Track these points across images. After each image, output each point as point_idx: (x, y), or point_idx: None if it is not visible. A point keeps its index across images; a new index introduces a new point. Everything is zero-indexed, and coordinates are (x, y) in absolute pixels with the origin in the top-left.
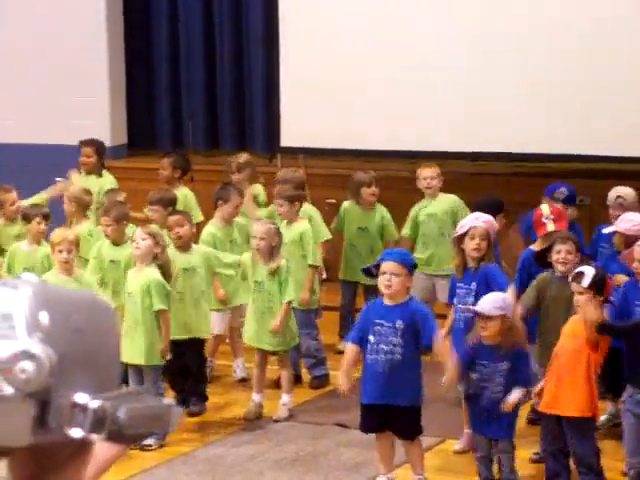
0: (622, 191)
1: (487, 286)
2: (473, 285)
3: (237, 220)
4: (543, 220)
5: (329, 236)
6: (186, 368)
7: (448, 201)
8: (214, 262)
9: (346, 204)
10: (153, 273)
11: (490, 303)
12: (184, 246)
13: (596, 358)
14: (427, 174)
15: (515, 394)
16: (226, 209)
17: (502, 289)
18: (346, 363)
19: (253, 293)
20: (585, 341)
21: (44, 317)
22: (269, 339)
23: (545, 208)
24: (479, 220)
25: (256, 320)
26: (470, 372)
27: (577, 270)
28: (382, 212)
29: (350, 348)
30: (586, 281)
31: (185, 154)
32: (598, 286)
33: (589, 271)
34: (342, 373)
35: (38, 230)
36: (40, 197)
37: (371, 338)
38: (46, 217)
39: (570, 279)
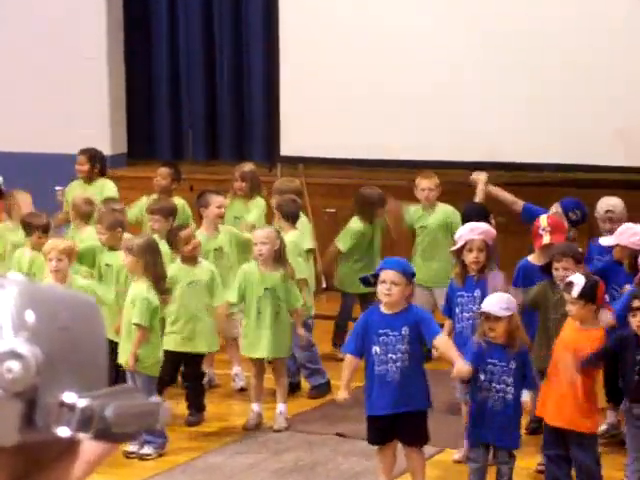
0: (611, 203)
1: None
2: (477, 292)
3: (227, 228)
4: (540, 232)
5: (311, 245)
6: (179, 379)
7: (443, 212)
8: (215, 284)
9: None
10: (140, 287)
11: (497, 304)
12: (192, 260)
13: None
14: (426, 185)
15: (527, 396)
16: (210, 212)
17: None
18: (347, 375)
19: (262, 300)
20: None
21: (30, 316)
22: (277, 345)
23: (543, 219)
24: (475, 232)
25: (265, 329)
26: (478, 373)
27: (567, 280)
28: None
29: (349, 360)
30: (576, 291)
31: (177, 165)
32: (589, 295)
33: (579, 280)
34: (343, 386)
35: (38, 244)
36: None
37: (377, 349)
38: (46, 230)
39: (561, 288)
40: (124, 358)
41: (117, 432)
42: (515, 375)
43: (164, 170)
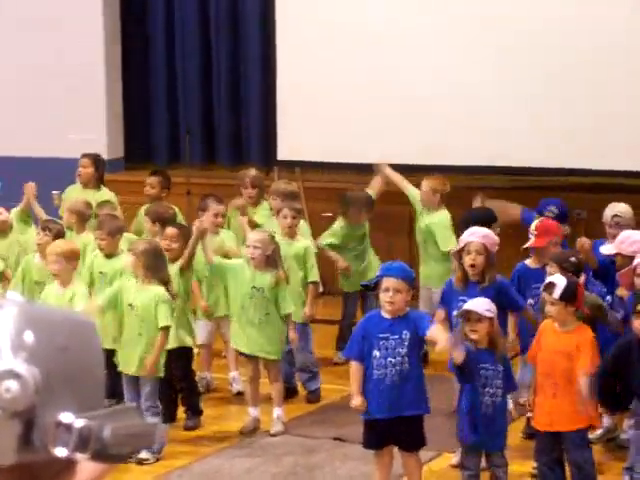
0: (618, 209)
1: (499, 302)
2: None
3: (227, 232)
4: (529, 235)
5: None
6: (172, 380)
7: (437, 217)
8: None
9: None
10: (160, 290)
11: (481, 305)
12: (172, 259)
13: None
14: (422, 186)
15: (512, 402)
16: (206, 218)
17: (518, 309)
18: (356, 382)
19: (247, 300)
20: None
21: (29, 336)
22: (265, 347)
23: (534, 222)
24: (475, 235)
25: (250, 327)
26: (473, 380)
27: (548, 280)
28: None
29: (356, 366)
30: (557, 292)
31: (167, 174)
32: (569, 297)
33: (560, 281)
34: (356, 393)
35: (38, 242)
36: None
37: (377, 353)
38: (58, 235)
39: (542, 289)
40: (132, 364)
41: (114, 453)
42: (502, 378)
43: (153, 179)
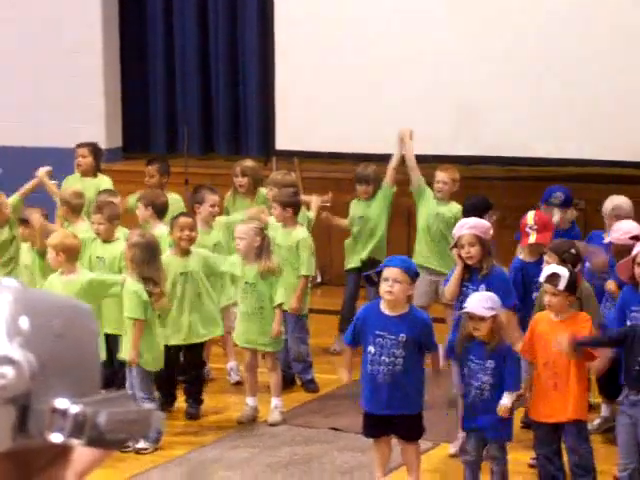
0: (617, 202)
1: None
2: (482, 287)
3: (222, 221)
4: (527, 230)
5: None
6: (173, 375)
7: (457, 208)
8: (213, 264)
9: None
10: (133, 284)
11: (481, 303)
12: (187, 250)
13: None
14: (440, 177)
15: (507, 398)
16: (203, 210)
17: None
18: (347, 359)
19: (243, 294)
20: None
21: (24, 322)
22: (260, 339)
23: (530, 217)
24: (464, 228)
25: (246, 321)
26: (463, 367)
27: (551, 271)
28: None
29: (347, 349)
30: (562, 284)
31: (165, 159)
32: (573, 286)
33: (564, 273)
34: (345, 367)
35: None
36: (14, 199)
37: (371, 349)
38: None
39: (543, 280)
40: (125, 353)
41: (110, 439)
42: (494, 374)
43: (150, 168)
